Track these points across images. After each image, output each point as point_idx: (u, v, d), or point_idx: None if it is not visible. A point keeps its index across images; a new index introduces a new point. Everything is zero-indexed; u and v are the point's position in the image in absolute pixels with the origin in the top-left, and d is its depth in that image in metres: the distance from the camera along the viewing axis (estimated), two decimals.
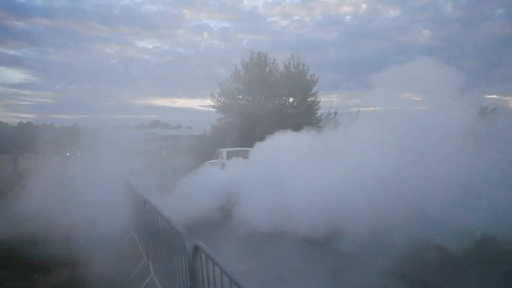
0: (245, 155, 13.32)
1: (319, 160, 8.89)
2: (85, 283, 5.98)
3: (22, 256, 7.34)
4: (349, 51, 74.07)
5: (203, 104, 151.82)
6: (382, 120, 8.89)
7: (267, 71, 33.29)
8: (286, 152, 9.68)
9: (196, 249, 2.77)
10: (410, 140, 7.79)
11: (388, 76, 8.79)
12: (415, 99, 9.92)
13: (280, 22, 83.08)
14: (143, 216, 5.94)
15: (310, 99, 33.26)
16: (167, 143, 47.03)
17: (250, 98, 33.16)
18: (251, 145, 18.15)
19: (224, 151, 17.83)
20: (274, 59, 33.72)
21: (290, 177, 8.80)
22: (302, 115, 32.19)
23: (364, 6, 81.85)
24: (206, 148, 26.49)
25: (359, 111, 28.25)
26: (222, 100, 33.84)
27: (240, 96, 33.86)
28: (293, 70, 33.07)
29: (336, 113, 31.91)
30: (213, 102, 33.95)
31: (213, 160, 18.12)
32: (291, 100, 33.56)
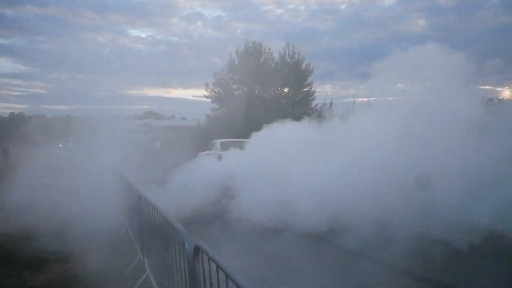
0: (239, 146, 13.10)
1: (319, 151, 8.64)
2: (78, 280, 5.76)
3: (12, 252, 7.10)
4: (343, 40, 73.94)
5: (197, 94, 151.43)
6: (382, 110, 8.64)
7: (262, 60, 32.90)
8: (285, 143, 9.42)
9: (197, 249, 2.54)
10: (414, 131, 7.56)
11: (389, 64, 8.51)
12: (411, 89, 9.70)
13: (274, 11, 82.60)
14: (138, 210, 5.69)
15: (305, 89, 33.00)
16: (161, 134, 46.67)
17: (245, 88, 32.82)
18: (246, 135, 17.96)
19: (218, 142, 17.60)
20: (269, 49, 33.37)
21: (290, 168, 8.53)
22: (297, 105, 31.99)
23: None
24: (201, 139, 26.22)
25: (354, 101, 28.28)
26: (216, 90, 33.49)
27: (234, 86, 33.51)
28: (288, 60, 32.72)
29: (331, 103, 31.76)
30: (208, 92, 33.62)
31: (207, 151, 17.89)
32: (286, 90, 33.26)
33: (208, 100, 33.87)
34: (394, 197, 6.90)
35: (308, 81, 32.95)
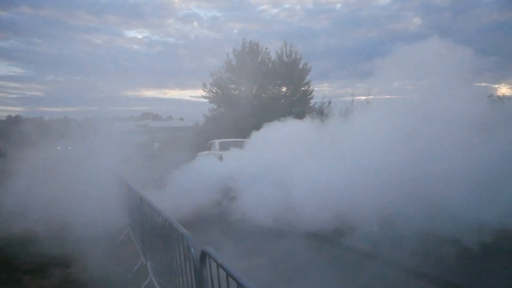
0: (238, 146, 13.00)
1: (322, 150, 8.51)
2: (80, 286, 5.65)
3: (11, 257, 6.98)
4: (340, 39, 73.59)
5: (194, 95, 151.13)
6: (385, 107, 8.52)
7: (259, 60, 32.75)
8: (286, 141, 9.27)
9: (204, 255, 2.45)
10: (419, 128, 7.42)
11: (391, 61, 8.40)
12: (412, 87, 9.58)
13: (270, 11, 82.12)
14: (139, 213, 5.59)
15: (303, 88, 32.88)
16: (158, 135, 46.46)
17: (243, 87, 32.68)
18: (244, 135, 17.86)
19: (216, 142, 17.49)
20: (266, 48, 33.23)
21: (293, 167, 8.39)
22: (296, 105, 31.84)
23: None
24: (199, 139, 26.11)
25: (353, 100, 28.27)
26: (214, 90, 33.34)
27: (232, 86, 33.34)
28: (285, 59, 32.58)
29: (330, 102, 31.74)
30: (205, 93, 33.45)
31: (206, 152, 17.79)
32: (284, 89, 33.13)
33: (206, 100, 33.73)
34: (401, 195, 6.78)
35: (306, 80, 32.85)
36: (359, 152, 7.81)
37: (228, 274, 2.04)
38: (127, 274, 5.81)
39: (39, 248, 7.19)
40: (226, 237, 7.11)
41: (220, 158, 13.19)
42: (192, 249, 2.65)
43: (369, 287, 5.31)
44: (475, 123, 7.13)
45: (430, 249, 6.08)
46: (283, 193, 8.10)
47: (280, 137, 9.76)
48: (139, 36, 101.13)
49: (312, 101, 33.02)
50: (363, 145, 7.81)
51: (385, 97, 9.57)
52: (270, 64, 32.82)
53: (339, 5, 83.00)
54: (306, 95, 32.89)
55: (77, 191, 10.61)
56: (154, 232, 4.77)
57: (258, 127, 11.79)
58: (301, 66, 32.58)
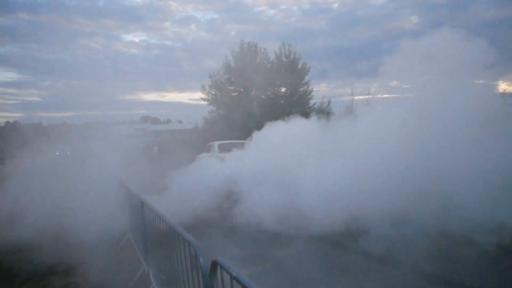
0: (237, 148, 12.77)
1: (329, 150, 8.24)
2: None
3: (9, 266, 6.75)
4: (337, 39, 73.74)
5: (192, 97, 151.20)
6: (392, 106, 8.27)
7: (258, 61, 32.58)
8: (290, 141, 9.00)
9: (215, 265, 2.23)
10: (429, 126, 7.16)
11: (396, 58, 8.15)
12: (415, 84, 9.34)
13: (267, 12, 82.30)
14: (141, 219, 5.37)
15: (302, 88, 32.70)
16: (158, 138, 46.27)
17: (242, 89, 32.51)
18: (244, 137, 17.66)
19: (215, 144, 17.30)
20: (264, 49, 33.08)
21: (298, 169, 8.13)
22: (295, 105, 31.63)
23: None
24: (199, 141, 25.93)
25: (353, 99, 28.16)
26: (213, 92, 33.17)
27: (231, 88, 33.17)
28: (284, 59, 32.42)
29: (329, 102, 31.62)
30: (204, 95, 33.28)
31: (204, 154, 17.59)
32: (283, 90, 32.95)
33: (205, 102, 33.59)
34: (412, 195, 6.53)
35: (305, 80, 32.68)
36: (366, 151, 7.53)
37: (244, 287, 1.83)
38: (129, 282, 5.57)
39: (38, 255, 6.97)
40: (230, 242, 6.90)
41: (222, 159, 12.94)
42: (201, 259, 2.43)
43: None
44: (486, 119, 6.89)
45: (445, 251, 5.85)
46: (288, 195, 7.80)
47: (284, 137, 9.46)
48: (137, 40, 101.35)
49: (312, 101, 32.91)
50: (371, 144, 7.54)
51: (387, 95, 9.32)
52: (269, 65, 32.65)
53: (336, 5, 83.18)
54: (306, 95, 32.72)
55: (76, 197, 10.40)
56: (156, 239, 4.56)
57: (257, 128, 11.57)
58: (300, 66, 32.42)
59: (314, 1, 79.43)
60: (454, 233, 6.11)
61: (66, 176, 13.54)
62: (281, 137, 9.52)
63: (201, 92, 33.32)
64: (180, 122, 69.08)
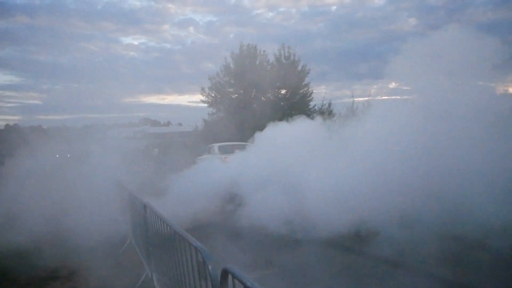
0: (238, 150, 12.66)
1: (334, 151, 8.11)
2: None
3: (8, 270, 6.59)
4: (336, 41, 73.60)
5: (192, 100, 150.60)
6: (398, 107, 8.14)
7: (257, 63, 32.54)
8: (295, 143, 8.85)
9: (226, 274, 2.13)
10: (440, 128, 6.99)
11: (405, 54, 7.97)
12: (404, 88, 9.24)
13: (266, 14, 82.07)
14: (143, 222, 5.25)
15: (302, 90, 32.64)
16: (158, 140, 46.16)
17: (241, 91, 32.45)
18: (244, 139, 17.58)
19: (216, 146, 17.23)
20: (264, 51, 33.06)
21: (304, 170, 7.99)
22: (295, 107, 31.55)
23: None
24: (200, 144, 25.85)
25: (353, 101, 28.14)
26: (213, 94, 33.11)
27: (231, 90, 33.14)
28: (284, 61, 32.38)
29: (330, 104, 31.58)
30: (204, 97, 33.25)
31: (205, 156, 17.49)
32: (283, 92, 32.92)
33: (205, 104, 33.60)
34: (421, 197, 6.42)
35: (305, 82, 32.62)
36: (374, 152, 7.41)
37: None
38: (132, 287, 5.46)
39: (38, 259, 6.87)
40: (234, 246, 6.75)
41: (225, 159, 12.82)
42: (210, 267, 2.32)
43: None
44: (494, 120, 6.75)
45: (457, 255, 5.69)
46: (293, 198, 7.67)
47: (288, 138, 9.29)
48: (136, 43, 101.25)
49: (312, 103, 32.85)
50: (378, 145, 7.42)
51: (386, 97, 9.21)
52: (269, 67, 32.61)
53: (335, 7, 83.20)
54: (306, 97, 32.70)
55: (77, 199, 10.30)
56: (160, 242, 4.44)
57: (257, 130, 11.46)
58: (299, 68, 32.38)
59: (313, 3, 79.41)
60: (466, 235, 5.98)
61: (66, 178, 13.45)
62: (285, 138, 9.36)
63: (201, 94, 33.37)
64: (180, 124, 69.02)
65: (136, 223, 6.27)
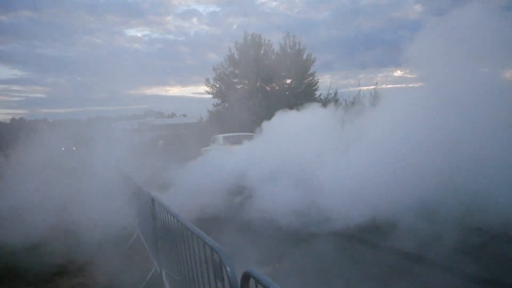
0: (242, 140, 12.42)
1: (348, 141, 7.82)
2: None
3: (13, 266, 6.43)
4: (340, 30, 72.95)
5: (196, 91, 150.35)
6: (414, 95, 7.80)
7: (262, 52, 32.12)
8: (306, 132, 8.52)
9: (247, 277, 1.92)
10: (459, 115, 6.64)
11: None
12: (409, 76, 8.89)
13: (270, 4, 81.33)
14: (151, 216, 5.06)
15: (307, 79, 32.23)
16: (162, 132, 46.02)
17: (246, 81, 32.11)
18: (249, 129, 17.33)
19: (220, 137, 17.05)
20: (269, 40, 32.58)
21: (316, 161, 7.72)
22: (301, 96, 31.19)
23: None
24: (205, 134, 25.67)
25: (360, 90, 27.82)
26: (217, 85, 32.82)
27: (235, 80, 32.82)
28: (289, 50, 31.92)
29: (336, 93, 31.20)
30: (209, 88, 32.98)
31: (209, 147, 17.32)
32: (288, 81, 32.52)
33: (210, 96, 33.37)
34: (440, 188, 6.14)
35: (310, 71, 32.19)
36: (389, 141, 7.10)
37: None
38: (140, 284, 5.29)
39: (44, 255, 6.74)
40: (244, 240, 6.53)
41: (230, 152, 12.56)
42: (228, 268, 2.10)
43: None
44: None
45: (478, 247, 5.45)
46: (306, 189, 7.42)
47: (299, 127, 8.93)
48: (139, 35, 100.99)
49: (318, 92, 32.47)
50: (394, 134, 7.11)
51: (391, 86, 8.87)
52: (274, 56, 32.20)
53: None
54: (311, 87, 32.29)
55: (83, 193, 10.18)
56: (169, 238, 4.24)
57: (262, 120, 11.19)
58: (305, 57, 31.91)
59: None
60: (487, 227, 5.73)
61: (72, 171, 13.35)
62: (296, 127, 9.02)
63: (206, 85, 33.11)
64: (184, 116, 68.88)
65: (143, 216, 6.08)
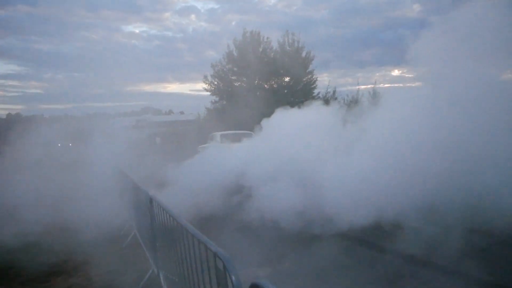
0: (240, 138, 12.29)
1: (351, 140, 7.68)
2: None
3: (8, 265, 6.31)
4: (339, 28, 72.83)
5: (194, 88, 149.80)
6: (415, 94, 7.69)
7: (261, 50, 31.97)
8: (306, 130, 8.36)
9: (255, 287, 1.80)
10: (464, 114, 6.52)
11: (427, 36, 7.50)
12: (407, 76, 8.79)
13: (268, 1, 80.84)
14: (149, 216, 4.93)
15: (306, 77, 32.10)
16: (160, 129, 45.83)
17: (245, 78, 31.95)
18: (247, 127, 17.21)
19: (218, 134, 16.91)
20: (267, 38, 32.41)
21: (317, 160, 7.57)
22: (299, 95, 31.06)
23: None
24: (203, 132, 25.54)
25: (358, 89, 27.78)
26: (215, 82, 32.65)
27: (234, 77, 32.67)
28: (288, 48, 31.77)
29: (334, 91, 31.08)
30: (207, 85, 32.80)
31: (207, 145, 17.19)
32: (287, 79, 32.39)
33: (207, 93, 33.18)
34: (447, 188, 6.02)
35: (309, 69, 32.05)
36: (393, 141, 6.97)
37: None
38: (137, 285, 5.16)
39: (39, 254, 6.62)
40: (243, 240, 6.39)
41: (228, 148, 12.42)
42: (233, 277, 1.98)
43: None
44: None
45: (484, 250, 5.34)
46: (307, 189, 7.27)
47: (299, 125, 8.76)
48: (137, 31, 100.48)
49: (316, 91, 32.36)
50: (398, 133, 6.98)
51: (389, 85, 8.78)
52: (272, 54, 32.05)
53: None
54: (310, 85, 32.17)
55: (78, 190, 10.05)
56: (168, 239, 4.12)
57: (260, 118, 11.05)
58: (303, 55, 31.78)
59: None
60: (493, 229, 5.62)
61: (68, 168, 13.21)
62: (296, 125, 8.85)
63: (204, 82, 32.94)
64: (182, 113, 68.71)
65: (140, 215, 5.94)
